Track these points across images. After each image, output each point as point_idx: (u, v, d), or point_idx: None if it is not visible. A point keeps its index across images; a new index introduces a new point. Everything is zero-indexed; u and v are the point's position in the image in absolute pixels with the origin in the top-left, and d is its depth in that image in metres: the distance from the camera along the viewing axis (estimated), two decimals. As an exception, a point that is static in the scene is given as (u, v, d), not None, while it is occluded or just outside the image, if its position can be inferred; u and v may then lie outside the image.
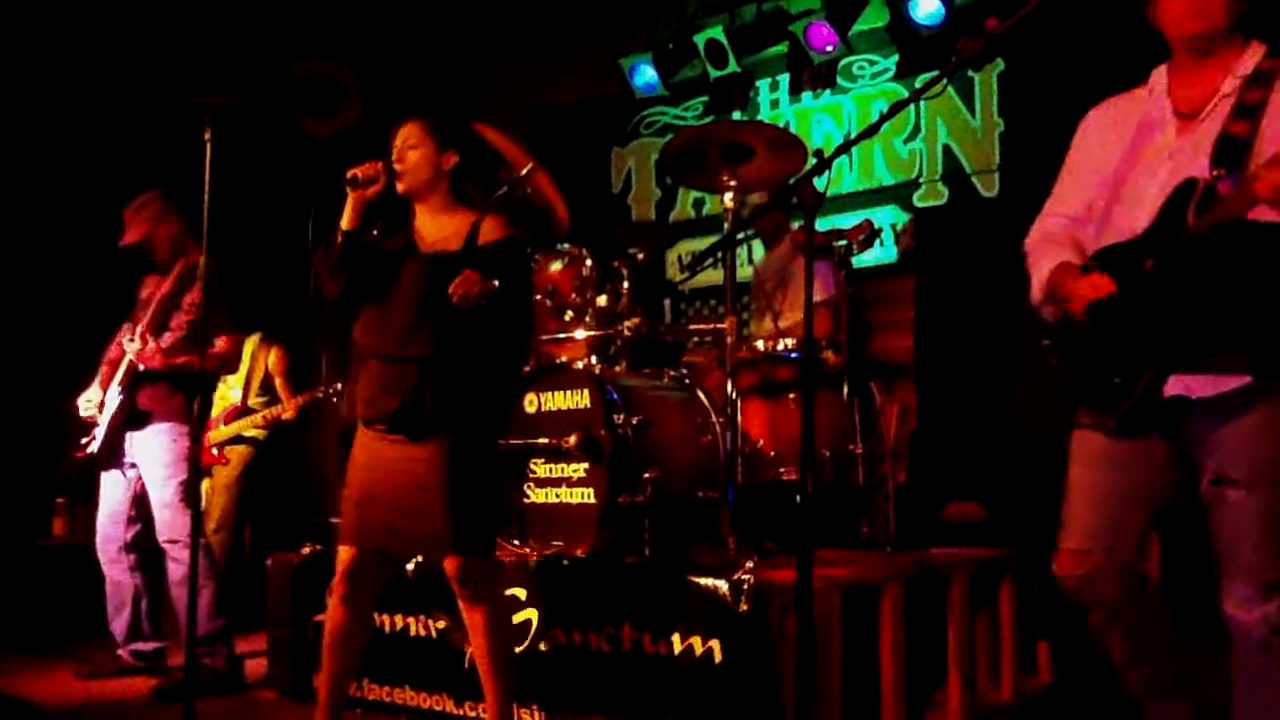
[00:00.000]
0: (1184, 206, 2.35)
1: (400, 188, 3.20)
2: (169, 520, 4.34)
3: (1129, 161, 2.56)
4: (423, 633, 3.81)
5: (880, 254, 5.49)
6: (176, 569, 4.33)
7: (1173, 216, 2.38)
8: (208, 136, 3.39)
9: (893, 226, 5.75)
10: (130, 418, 4.44)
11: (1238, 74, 2.45)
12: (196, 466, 3.67)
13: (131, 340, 4.37)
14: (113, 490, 4.55)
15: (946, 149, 5.69)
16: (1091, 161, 2.67)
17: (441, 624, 3.74)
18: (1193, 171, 2.40)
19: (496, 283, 3.00)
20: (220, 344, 4.42)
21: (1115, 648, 2.59)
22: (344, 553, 3.13)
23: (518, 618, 3.54)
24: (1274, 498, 2.36)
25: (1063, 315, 2.55)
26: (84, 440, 4.53)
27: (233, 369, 4.92)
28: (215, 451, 5.78)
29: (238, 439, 5.88)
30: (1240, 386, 2.34)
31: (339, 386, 5.17)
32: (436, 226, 3.23)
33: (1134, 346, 2.40)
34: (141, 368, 4.39)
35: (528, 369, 3.93)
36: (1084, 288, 2.47)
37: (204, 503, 5.74)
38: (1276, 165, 2.14)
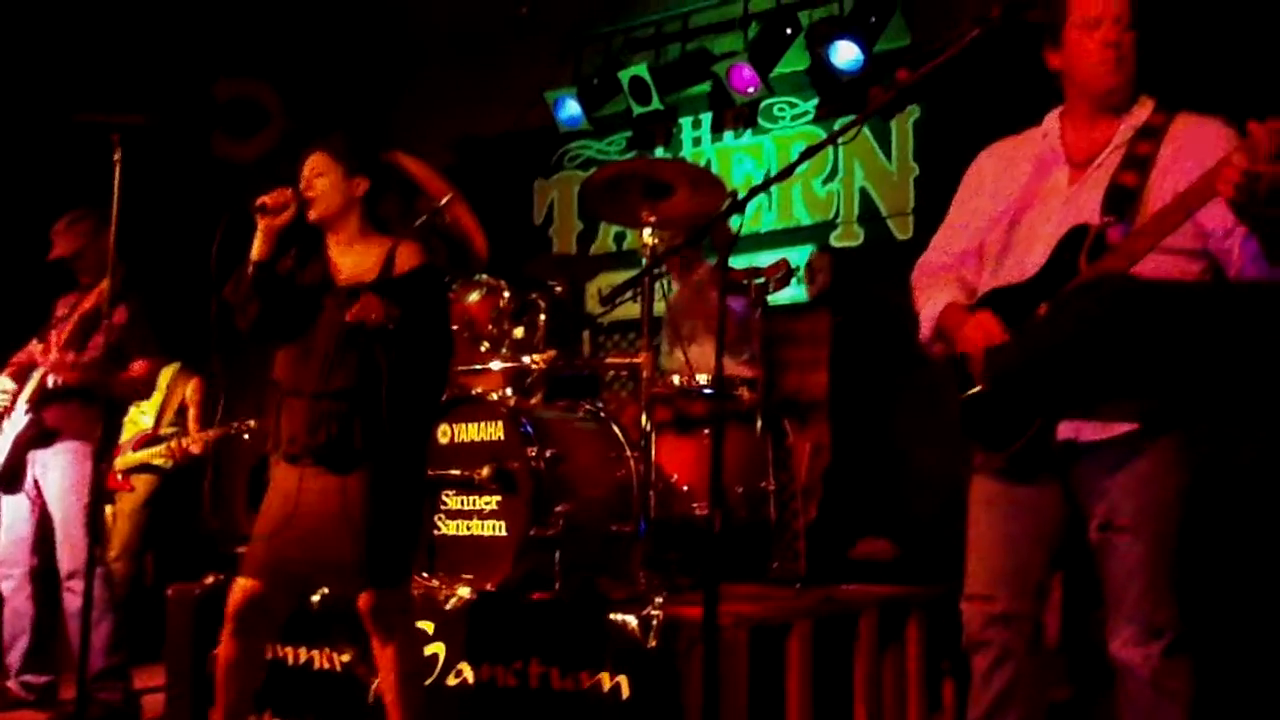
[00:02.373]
0: (1075, 252, 2.40)
1: (311, 216, 3.16)
2: (73, 547, 4.20)
3: (1022, 204, 2.60)
4: (327, 665, 3.75)
5: (796, 292, 5.56)
6: (74, 600, 4.19)
7: (1063, 261, 2.43)
8: (117, 157, 3.33)
9: (809, 265, 5.82)
10: (37, 436, 4.32)
11: (1129, 125, 2.52)
12: (99, 492, 3.58)
13: (47, 352, 4.26)
14: (16, 514, 4.40)
15: (863, 191, 5.79)
16: (982, 202, 2.71)
17: (346, 657, 3.68)
18: (1083, 217, 2.45)
19: (397, 310, 2.97)
20: (137, 367, 4.32)
21: (986, 696, 2.55)
22: (243, 584, 3.07)
23: (425, 651, 3.50)
24: (1159, 543, 2.41)
25: (950, 355, 2.60)
26: None
27: (145, 395, 4.81)
28: (121, 477, 5.63)
29: (145, 467, 5.74)
30: (1128, 432, 2.39)
31: (252, 425, 5.09)
32: (351, 257, 3.20)
33: (1024, 391, 2.45)
34: (51, 384, 4.28)
35: (443, 399, 3.90)
36: (973, 331, 2.52)
37: (106, 529, 5.59)
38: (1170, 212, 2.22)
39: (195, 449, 5.60)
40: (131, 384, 4.35)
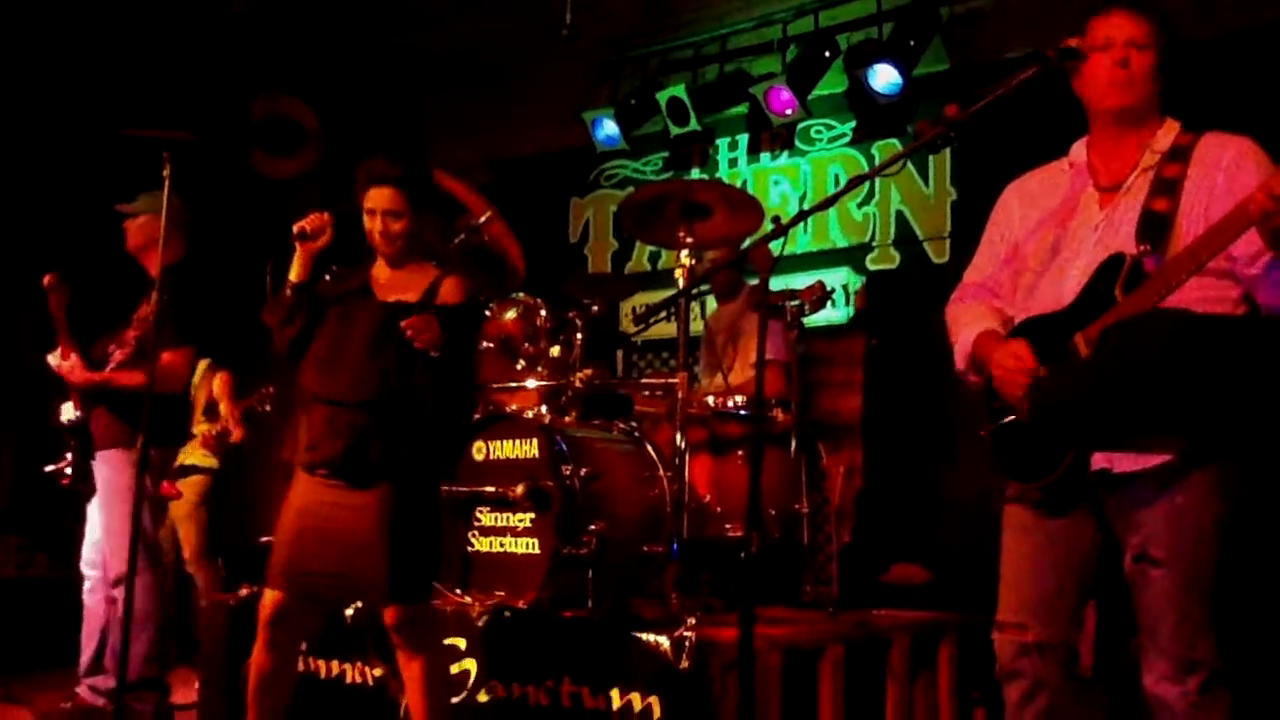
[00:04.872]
0: (1111, 282, 2.39)
1: (383, 252, 3.22)
2: (113, 555, 4.23)
3: (1052, 233, 2.60)
4: (359, 680, 3.76)
5: (831, 314, 5.56)
6: (116, 610, 4.21)
7: (1099, 291, 2.42)
8: (167, 173, 3.38)
9: (844, 288, 5.82)
10: (85, 446, 4.37)
11: (1155, 149, 2.52)
12: (141, 499, 3.61)
13: (53, 353, 4.31)
14: (94, 519, 4.45)
15: (899, 215, 5.78)
16: (1011, 234, 2.72)
17: (379, 672, 3.69)
18: (1118, 245, 2.45)
19: (447, 338, 3.02)
20: (165, 358, 4.33)
21: None
22: (270, 596, 3.10)
23: (456, 668, 3.51)
24: (1194, 576, 2.38)
25: (985, 384, 2.60)
26: (51, 468, 4.44)
27: (175, 386, 4.80)
28: (167, 484, 5.66)
29: (191, 469, 5.77)
30: (1163, 464, 2.37)
31: (270, 391, 5.24)
32: (396, 277, 3.25)
33: (1060, 422, 2.43)
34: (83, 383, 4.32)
35: (477, 416, 3.93)
36: (1006, 360, 2.51)
37: (174, 537, 5.65)
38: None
39: (235, 437, 5.64)
40: (162, 375, 4.34)
